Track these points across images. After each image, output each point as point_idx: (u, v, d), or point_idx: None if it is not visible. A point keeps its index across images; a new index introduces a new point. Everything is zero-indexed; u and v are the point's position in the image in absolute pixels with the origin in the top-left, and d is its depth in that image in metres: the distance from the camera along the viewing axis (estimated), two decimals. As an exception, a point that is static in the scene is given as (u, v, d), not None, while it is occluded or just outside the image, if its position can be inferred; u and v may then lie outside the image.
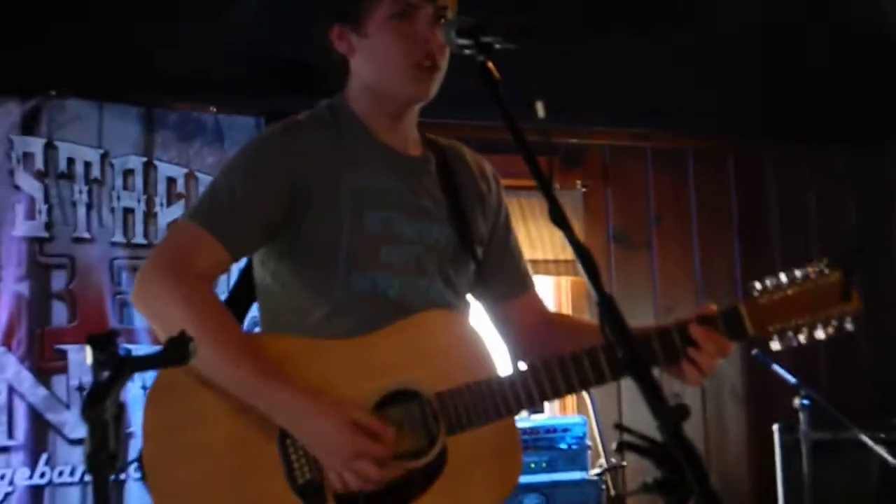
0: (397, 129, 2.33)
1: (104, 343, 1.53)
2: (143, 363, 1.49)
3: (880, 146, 6.13)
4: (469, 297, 2.41)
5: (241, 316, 2.36)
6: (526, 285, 2.51)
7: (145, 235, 4.73)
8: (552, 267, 5.47)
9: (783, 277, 2.13)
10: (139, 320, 4.59)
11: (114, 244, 4.67)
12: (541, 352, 2.28)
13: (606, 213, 5.72)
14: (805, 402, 4.48)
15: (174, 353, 1.49)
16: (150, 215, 4.77)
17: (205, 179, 4.82)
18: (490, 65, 1.91)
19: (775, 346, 2.14)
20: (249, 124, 4.95)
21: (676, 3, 5.02)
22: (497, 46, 1.92)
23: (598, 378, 2.09)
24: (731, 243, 5.93)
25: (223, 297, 2.33)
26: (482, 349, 2.16)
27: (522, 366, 2.17)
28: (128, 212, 4.72)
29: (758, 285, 2.14)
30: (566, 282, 5.67)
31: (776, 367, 4.55)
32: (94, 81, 4.68)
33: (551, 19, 4.99)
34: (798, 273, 2.13)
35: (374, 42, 2.25)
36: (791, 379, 4.51)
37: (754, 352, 4.68)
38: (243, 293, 2.36)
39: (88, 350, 1.53)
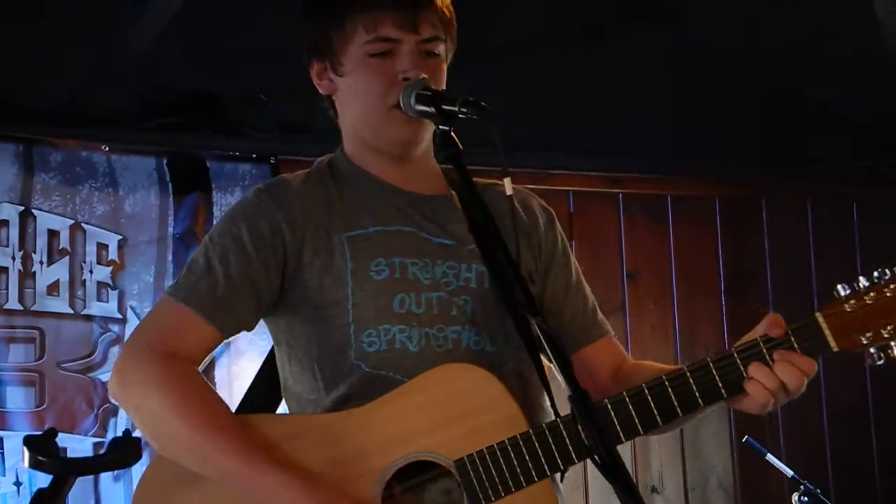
0: (403, 168, 2.53)
1: (44, 443, 1.76)
2: (89, 465, 1.73)
3: None
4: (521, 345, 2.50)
5: (272, 404, 2.56)
6: (596, 334, 2.66)
7: (21, 300, 4.88)
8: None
9: (863, 281, 2.30)
10: (13, 402, 4.77)
11: (-18, 311, 4.81)
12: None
13: (571, 270, 5.99)
14: (805, 498, 4.66)
15: (121, 453, 1.74)
16: (26, 275, 4.90)
17: (94, 232, 5.01)
18: (453, 135, 2.21)
19: (875, 359, 2.29)
20: (148, 166, 5.14)
21: (657, 21, 5.37)
22: (460, 116, 2.20)
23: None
24: (717, 305, 6.23)
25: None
26: (507, 405, 2.33)
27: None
28: (0, 271, 4.88)
29: (845, 287, 2.31)
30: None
31: (771, 458, 4.80)
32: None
33: (505, 37, 5.33)
34: (877, 273, 2.30)
35: (351, 81, 2.48)
36: (788, 471, 4.76)
37: (746, 439, 4.90)
38: (268, 383, 2.56)
39: (26, 451, 1.76)
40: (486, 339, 2.46)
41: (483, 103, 2.19)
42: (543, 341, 2.02)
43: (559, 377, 2.02)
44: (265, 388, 2.58)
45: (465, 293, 2.46)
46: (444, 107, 2.24)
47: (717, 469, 6.03)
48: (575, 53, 5.39)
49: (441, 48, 2.48)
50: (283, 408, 2.57)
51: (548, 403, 2.44)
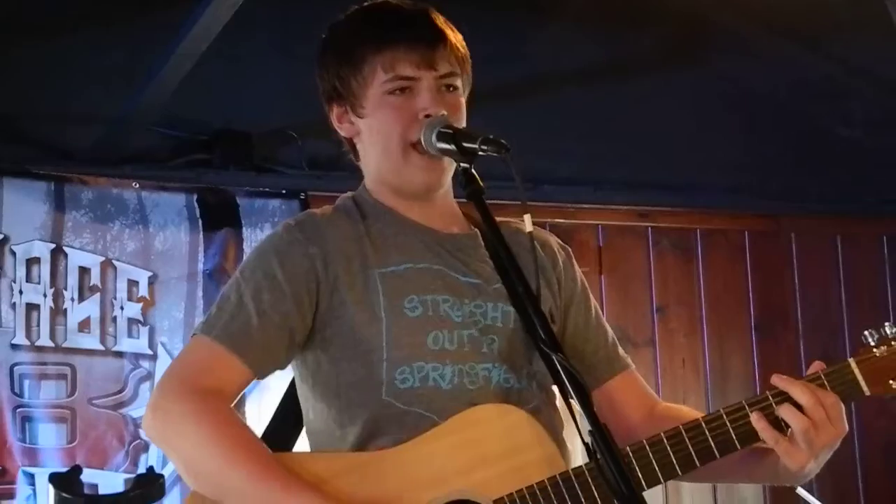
0: (428, 207, 2.53)
1: (68, 481, 1.79)
2: (113, 502, 1.76)
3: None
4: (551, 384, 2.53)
5: (289, 442, 2.55)
6: (615, 368, 2.65)
7: (52, 336, 4.92)
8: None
9: (888, 328, 2.35)
10: (45, 439, 4.80)
11: (15, 347, 4.86)
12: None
13: (601, 304, 5.95)
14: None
15: (145, 490, 1.77)
16: (58, 312, 4.95)
17: (124, 269, 5.06)
18: (474, 173, 2.22)
19: None
20: (178, 203, 5.19)
21: (685, 59, 5.41)
22: (481, 153, 2.22)
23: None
24: (747, 339, 6.24)
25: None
26: (545, 445, 2.35)
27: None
28: (32, 308, 4.91)
29: (872, 333, 2.34)
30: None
31: (801, 491, 4.79)
32: (-8, 152, 4.91)
33: (535, 72, 5.37)
34: None
35: (371, 122, 2.47)
36: (820, 505, 4.76)
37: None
38: (289, 416, 2.55)
39: (51, 489, 1.79)
40: (514, 377, 2.46)
41: (503, 140, 2.20)
42: (563, 377, 2.03)
43: (581, 412, 2.03)
44: (286, 421, 2.57)
45: (493, 332, 2.47)
46: (465, 144, 2.25)
47: (747, 503, 6.01)
48: (604, 88, 5.43)
49: (458, 82, 2.49)
50: (303, 442, 2.56)
51: (567, 441, 2.45)
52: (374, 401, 2.38)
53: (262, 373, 2.40)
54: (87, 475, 4.76)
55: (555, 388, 2.51)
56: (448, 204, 2.58)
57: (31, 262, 4.94)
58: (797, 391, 2.31)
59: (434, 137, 2.33)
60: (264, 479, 2.24)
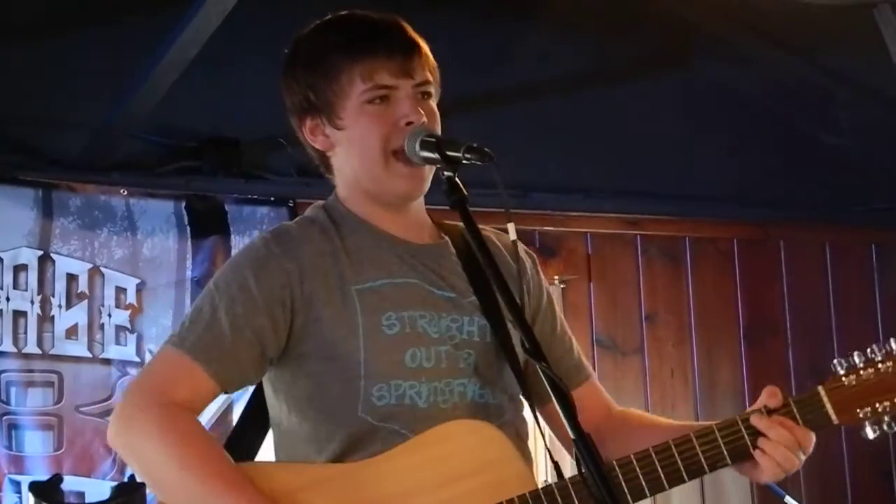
0: (402, 218, 2.51)
1: (49, 490, 1.78)
2: (93, 512, 1.75)
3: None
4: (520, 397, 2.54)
5: (253, 448, 2.53)
6: (580, 378, 2.68)
7: (39, 344, 4.91)
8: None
9: (858, 357, 2.38)
10: (31, 447, 4.80)
11: (1, 354, 4.85)
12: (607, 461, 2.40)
13: (589, 312, 6.01)
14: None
15: (126, 499, 1.76)
16: (45, 319, 4.94)
17: (112, 276, 5.05)
18: (458, 181, 2.22)
19: (869, 433, 2.40)
20: (167, 210, 5.19)
21: (674, 66, 5.41)
22: (465, 162, 2.21)
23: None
24: (736, 347, 6.23)
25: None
26: (515, 462, 2.35)
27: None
28: (19, 315, 4.90)
29: (842, 362, 2.38)
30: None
31: (790, 500, 4.79)
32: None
33: (523, 80, 5.37)
34: (870, 350, 2.39)
35: (351, 133, 2.45)
36: (807, 514, 4.76)
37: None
38: (255, 422, 2.54)
39: (31, 497, 1.78)
40: (489, 392, 2.47)
41: (486, 149, 2.20)
42: (548, 386, 2.02)
43: (564, 422, 2.02)
44: (251, 427, 2.56)
45: (469, 346, 2.46)
46: (449, 153, 2.25)
47: (734, 507, 6.01)
48: (593, 95, 5.43)
49: (432, 89, 2.49)
50: (268, 447, 2.55)
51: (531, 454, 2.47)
52: (350, 417, 2.37)
53: (229, 387, 2.39)
54: (74, 483, 4.76)
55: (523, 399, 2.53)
56: (420, 212, 2.57)
57: (19, 268, 4.94)
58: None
59: (417, 146, 2.33)
60: (228, 495, 2.22)
